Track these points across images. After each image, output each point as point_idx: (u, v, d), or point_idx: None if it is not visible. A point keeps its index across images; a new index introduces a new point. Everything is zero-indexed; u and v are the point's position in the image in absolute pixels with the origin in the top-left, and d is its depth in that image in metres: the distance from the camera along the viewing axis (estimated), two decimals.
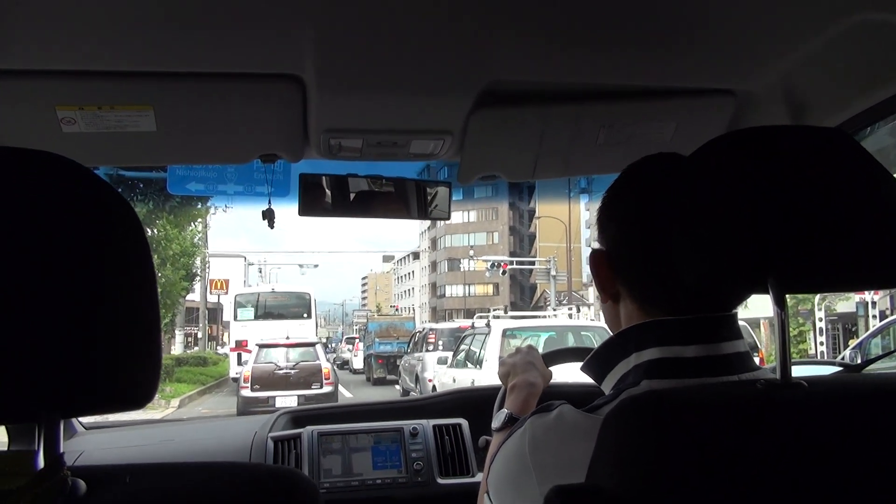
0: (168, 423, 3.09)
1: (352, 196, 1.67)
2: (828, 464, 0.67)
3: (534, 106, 1.41)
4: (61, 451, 0.55)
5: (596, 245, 0.98)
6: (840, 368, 3.33)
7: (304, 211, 1.62)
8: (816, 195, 0.74)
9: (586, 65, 1.29)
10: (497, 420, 1.30)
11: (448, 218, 1.76)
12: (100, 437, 2.07)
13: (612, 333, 1.00)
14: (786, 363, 0.73)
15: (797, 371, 0.75)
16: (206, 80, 1.25)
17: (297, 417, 2.05)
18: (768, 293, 0.74)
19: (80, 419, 2.10)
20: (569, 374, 1.63)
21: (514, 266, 37.56)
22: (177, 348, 25.59)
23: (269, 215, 1.75)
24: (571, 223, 34.05)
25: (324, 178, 1.65)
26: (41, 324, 0.52)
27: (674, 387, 0.84)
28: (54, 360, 0.52)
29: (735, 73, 1.34)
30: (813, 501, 0.66)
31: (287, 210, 1.84)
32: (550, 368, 1.45)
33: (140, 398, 0.58)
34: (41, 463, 0.55)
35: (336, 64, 1.23)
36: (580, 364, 1.06)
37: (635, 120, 1.46)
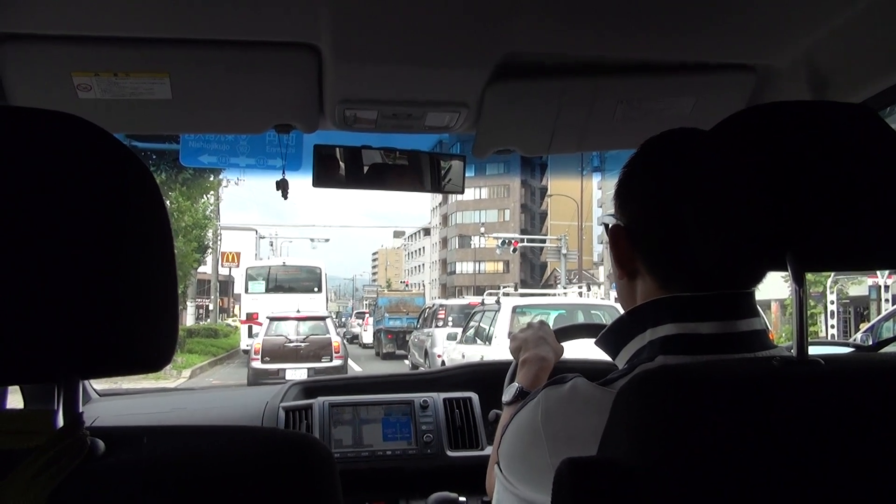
0: (180, 391, 3.13)
1: (365, 168, 1.67)
2: (844, 441, 0.66)
3: (551, 80, 1.40)
4: (80, 410, 0.56)
5: (609, 220, 0.97)
6: (853, 350, 3.32)
7: (318, 182, 1.62)
8: (838, 172, 0.73)
9: (604, 38, 1.28)
10: (508, 394, 1.31)
11: (462, 192, 1.75)
12: (113, 404, 2.10)
13: (623, 311, 0.99)
14: (803, 340, 0.73)
15: (810, 351, 0.74)
16: (223, 47, 1.24)
17: (309, 388, 2.07)
18: (787, 270, 0.73)
19: (94, 386, 2.13)
20: (580, 350, 1.64)
21: (525, 244, 37.54)
22: (188, 320, 25.79)
23: (282, 186, 1.75)
24: (583, 201, 33.88)
25: (338, 149, 1.64)
26: (61, 284, 0.52)
27: (689, 363, 0.83)
28: (74, 320, 0.53)
29: (756, 48, 1.31)
30: (828, 478, 0.65)
31: (299, 184, 1.85)
32: (562, 344, 1.45)
33: (158, 361, 0.58)
34: (60, 422, 0.56)
35: (352, 33, 1.22)
36: (592, 340, 1.06)
37: (653, 95, 1.45)
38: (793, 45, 1.28)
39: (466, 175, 1.73)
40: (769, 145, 0.74)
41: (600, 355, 1.04)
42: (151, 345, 0.58)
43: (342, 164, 1.66)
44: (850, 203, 0.72)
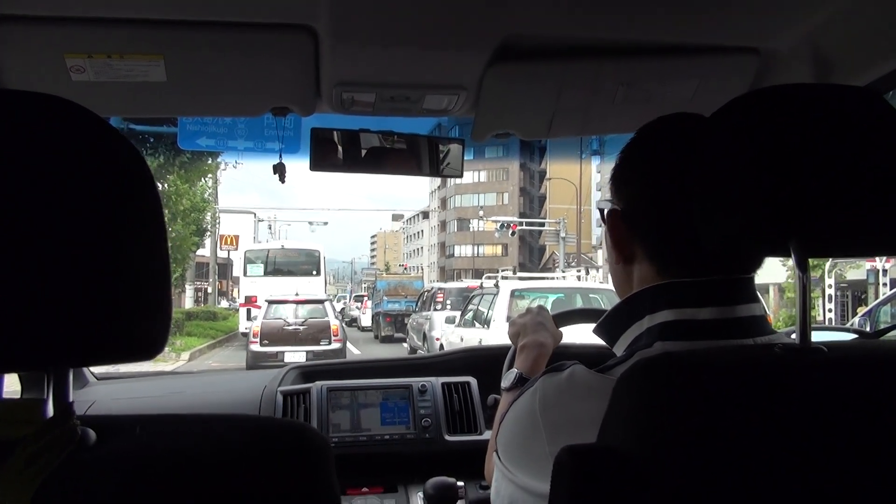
0: (178, 375, 3.14)
1: (363, 152, 1.65)
2: (846, 429, 0.66)
3: (551, 62, 1.38)
4: (70, 399, 0.55)
5: (606, 205, 0.97)
6: (854, 336, 3.32)
7: (315, 166, 1.61)
8: (842, 156, 0.72)
9: (606, 19, 1.26)
10: (506, 380, 1.31)
11: (460, 176, 1.74)
12: (111, 388, 2.10)
13: (619, 296, 0.99)
14: (806, 327, 0.72)
15: (812, 337, 0.73)
16: (218, 29, 1.23)
17: (307, 372, 2.06)
18: (789, 256, 0.72)
19: (92, 369, 2.12)
20: (579, 335, 1.63)
21: (524, 227, 37.49)
22: (187, 303, 25.82)
23: (279, 169, 1.74)
24: (582, 185, 33.86)
25: (335, 132, 1.63)
26: (51, 272, 0.51)
27: (688, 349, 0.83)
28: (64, 308, 0.52)
29: (760, 31, 1.30)
30: (831, 467, 0.65)
31: (297, 166, 1.83)
32: (561, 329, 1.44)
33: (150, 349, 0.57)
34: (50, 412, 0.55)
35: (350, 15, 1.20)
36: (591, 326, 1.05)
37: (655, 78, 1.43)
38: (797, 28, 1.26)
39: (465, 158, 1.72)
40: (772, 129, 0.73)
41: (600, 340, 1.04)
42: (144, 332, 0.57)
43: (340, 148, 1.64)
44: (855, 188, 0.71)
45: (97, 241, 0.53)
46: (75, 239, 0.52)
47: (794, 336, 0.75)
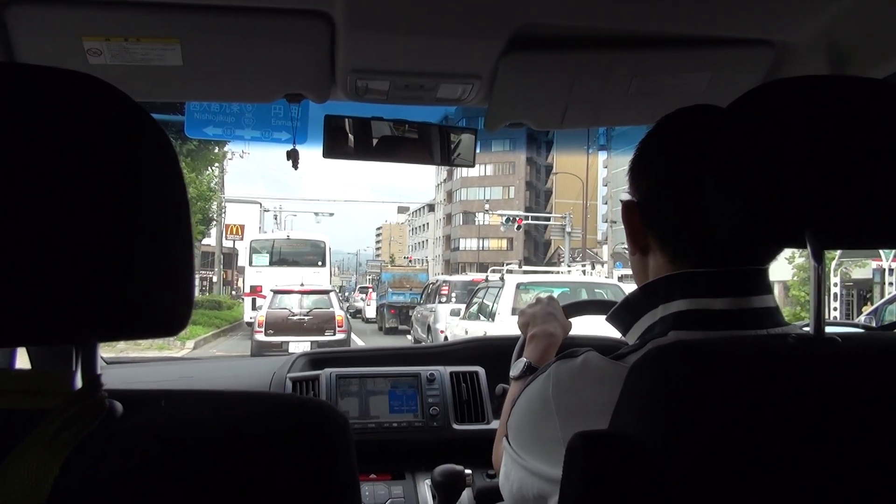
0: (187, 360, 3.14)
1: (375, 140, 1.66)
2: (861, 418, 0.66)
3: (565, 52, 1.38)
4: (99, 372, 0.56)
5: (626, 197, 0.97)
6: (863, 331, 3.31)
7: (328, 153, 1.61)
8: (858, 148, 0.72)
9: (620, 10, 1.26)
10: (515, 369, 1.31)
11: (472, 165, 1.74)
12: (121, 371, 2.11)
13: (627, 289, 0.99)
14: (820, 318, 0.72)
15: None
16: (235, 14, 1.23)
17: (315, 360, 2.07)
18: (804, 247, 0.72)
19: (101, 354, 2.13)
20: (587, 327, 1.64)
21: (529, 221, 37.45)
22: None
23: (293, 156, 1.74)
24: (588, 180, 33.75)
25: (347, 120, 1.63)
26: (81, 246, 0.52)
27: (702, 338, 0.83)
28: (93, 282, 0.52)
29: (775, 23, 1.29)
30: (845, 457, 0.65)
31: (304, 156, 1.84)
32: (570, 320, 1.45)
33: (174, 325, 0.58)
34: (78, 384, 0.55)
35: (365, 2, 1.20)
36: (599, 316, 1.06)
37: (669, 70, 1.43)
38: (812, 20, 1.25)
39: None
40: (788, 120, 0.73)
41: (608, 332, 1.04)
42: (169, 308, 0.57)
43: (351, 136, 1.64)
44: (871, 180, 0.72)
45: (124, 215, 0.54)
46: (103, 213, 0.53)
47: (806, 328, 0.75)
